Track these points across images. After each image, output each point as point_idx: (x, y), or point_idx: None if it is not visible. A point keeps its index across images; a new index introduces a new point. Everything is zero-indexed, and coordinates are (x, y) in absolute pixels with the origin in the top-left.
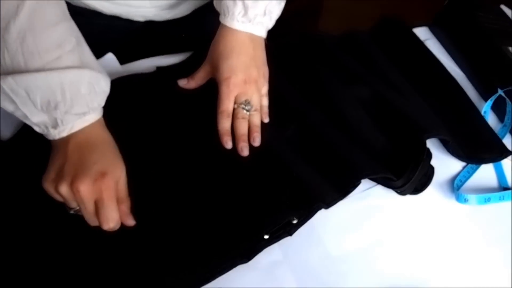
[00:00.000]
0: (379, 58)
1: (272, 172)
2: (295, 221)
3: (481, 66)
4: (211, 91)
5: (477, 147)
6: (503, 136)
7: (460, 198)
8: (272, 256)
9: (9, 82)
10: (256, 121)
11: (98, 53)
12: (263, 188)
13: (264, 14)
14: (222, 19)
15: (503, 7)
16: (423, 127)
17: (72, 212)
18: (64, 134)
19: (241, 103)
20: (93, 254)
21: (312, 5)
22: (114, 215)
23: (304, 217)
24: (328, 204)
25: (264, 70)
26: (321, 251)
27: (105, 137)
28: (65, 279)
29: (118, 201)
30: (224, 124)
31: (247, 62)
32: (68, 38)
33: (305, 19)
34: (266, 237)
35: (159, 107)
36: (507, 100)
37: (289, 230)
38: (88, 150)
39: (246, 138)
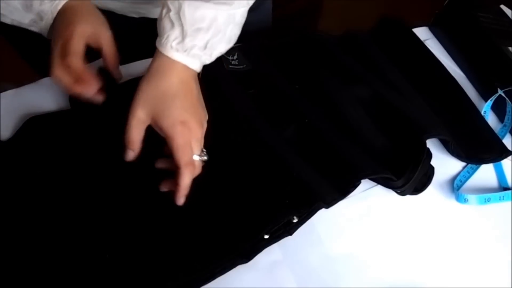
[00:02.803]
0: (379, 58)
1: (272, 172)
2: (295, 220)
3: (481, 66)
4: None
5: (477, 147)
6: (503, 136)
7: (460, 198)
8: (272, 256)
9: None
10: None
11: (98, 53)
12: (263, 188)
13: (205, 48)
14: (157, 42)
15: (503, 7)
16: (423, 127)
17: None
18: (50, 21)
19: (199, 154)
20: (93, 255)
21: (312, 5)
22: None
23: (304, 216)
24: (328, 203)
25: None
26: (321, 251)
27: (84, 8)
28: (65, 279)
29: (105, 54)
30: (188, 180)
31: (194, 103)
32: None
33: (305, 19)
34: (266, 237)
35: None
36: (507, 100)
37: (289, 229)
38: (59, 25)
39: None
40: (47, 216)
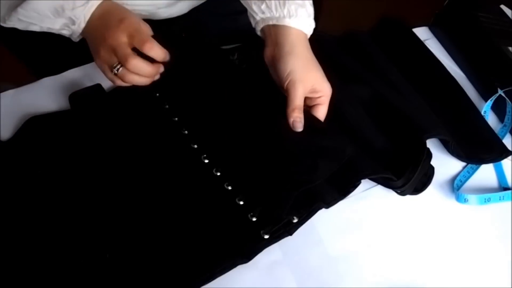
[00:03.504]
0: (379, 58)
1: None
2: (295, 220)
3: (481, 66)
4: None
5: (477, 147)
6: (503, 136)
7: (460, 198)
8: (272, 256)
9: (21, 12)
10: None
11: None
12: (263, 187)
13: (309, 16)
14: (284, 20)
15: (503, 7)
16: (423, 127)
17: (116, 70)
18: (83, 24)
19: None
20: (93, 255)
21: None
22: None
23: (304, 217)
24: (328, 203)
25: None
26: (321, 251)
27: (117, 12)
28: (65, 279)
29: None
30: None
31: None
32: None
33: None
34: (266, 237)
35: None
36: (507, 100)
37: (289, 229)
38: (105, 25)
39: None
40: (47, 216)
